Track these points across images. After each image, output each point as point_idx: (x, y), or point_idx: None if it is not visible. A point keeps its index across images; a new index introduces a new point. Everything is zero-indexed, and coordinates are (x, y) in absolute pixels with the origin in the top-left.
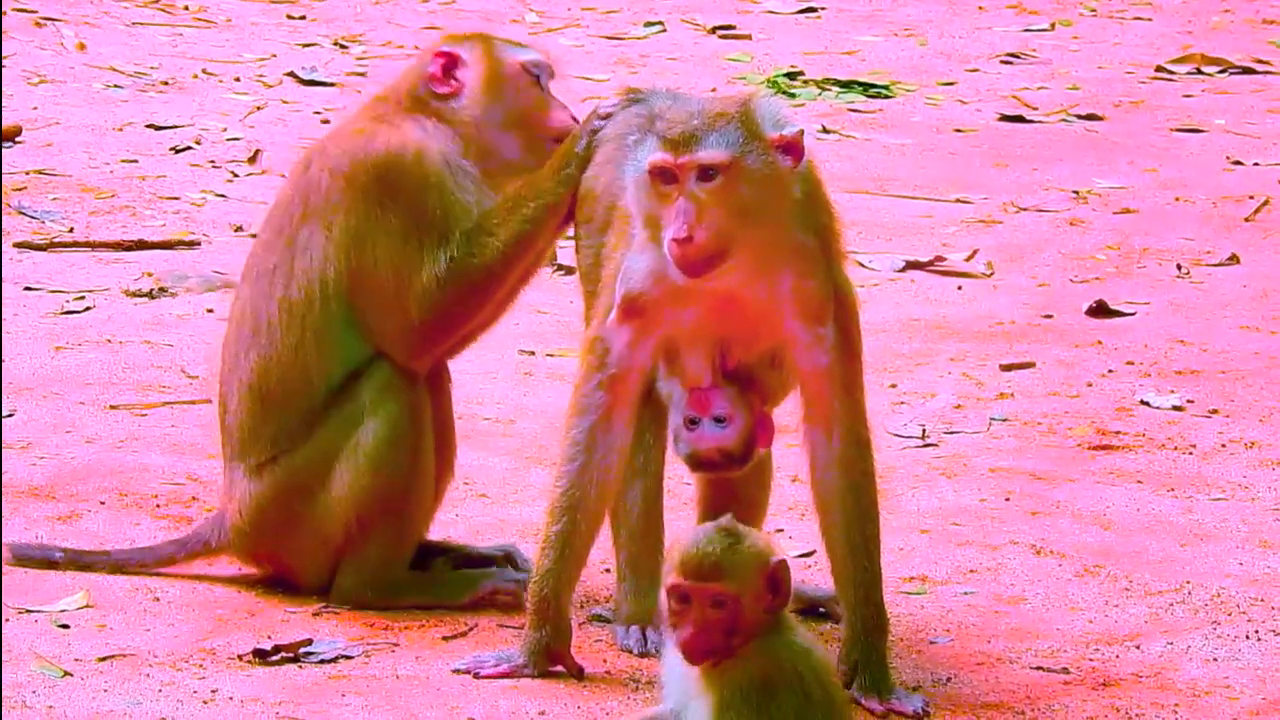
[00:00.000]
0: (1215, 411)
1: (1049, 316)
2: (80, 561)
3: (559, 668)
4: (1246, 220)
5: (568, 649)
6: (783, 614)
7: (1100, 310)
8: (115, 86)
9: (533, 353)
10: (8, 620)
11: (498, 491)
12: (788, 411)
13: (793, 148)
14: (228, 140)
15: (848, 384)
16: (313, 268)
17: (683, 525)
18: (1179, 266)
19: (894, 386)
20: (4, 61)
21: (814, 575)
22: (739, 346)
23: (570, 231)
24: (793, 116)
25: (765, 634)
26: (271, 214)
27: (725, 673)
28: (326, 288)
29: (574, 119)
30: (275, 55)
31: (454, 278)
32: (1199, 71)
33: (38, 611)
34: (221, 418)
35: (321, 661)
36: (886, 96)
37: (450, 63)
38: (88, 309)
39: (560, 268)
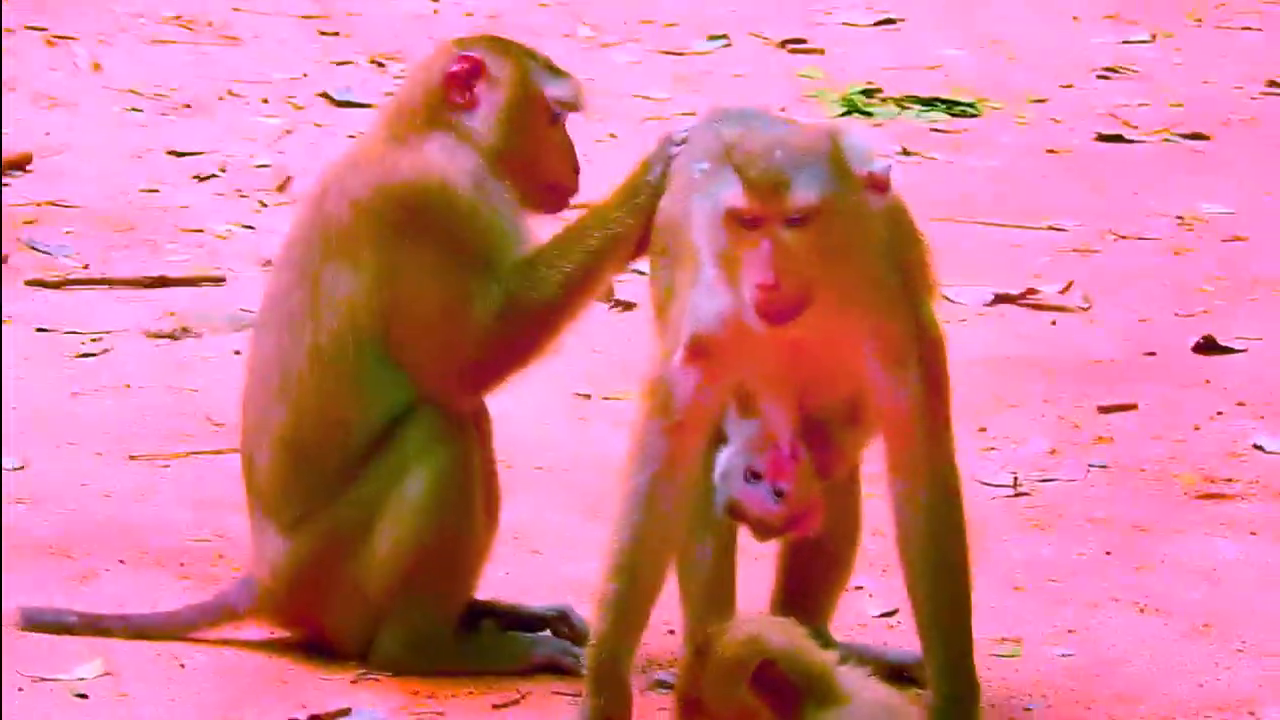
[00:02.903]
0: None
1: (1151, 354)
2: (96, 627)
3: None
4: None
5: (629, 718)
6: (835, 679)
7: (1208, 346)
8: (133, 109)
9: (589, 395)
10: (21, 690)
11: (551, 547)
12: (869, 459)
13: (881, 186)
14: (255, 167)
15: (934, 429)
16: (341, 310)
17: (756, 584)
18: None
19: (983, 431)
20: (13, 83)
21: (898, 636)
22: (816, 391)
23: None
24: (877, 147)
25: (820, 710)
26: (287, 254)
27: None
28: (359, 332)
29: (576, 170)
30: (306, 74)
31: (512, 313)
32: None
33: (53, 680)
34: (248, 476)
35: None
36: (972, 115)
37: (475, 70)
38: (105, 351)
39: (619, 303)
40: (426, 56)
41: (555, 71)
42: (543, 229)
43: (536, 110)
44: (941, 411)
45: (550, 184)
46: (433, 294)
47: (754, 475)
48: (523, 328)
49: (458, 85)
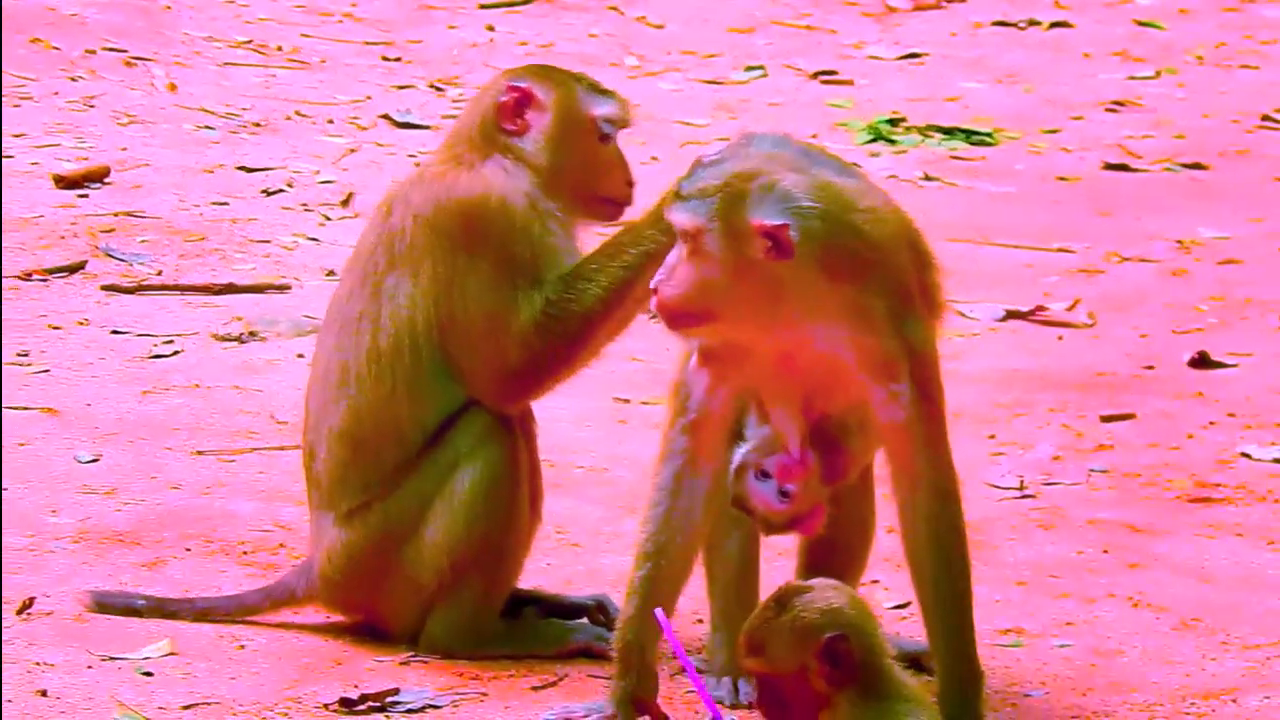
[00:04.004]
0: None
1: (1150, 368)
2: (163, 610)
3: (647, 718)
4: None
5: (654, 698)
6: (884, 675)
7: (1202, 362)
8: (206, 128)
9: (628, 400)
10: (90, 668)
11: (590, 541)
12: (878, 460)
13: (777, 240)
14: (320, 183)
15: (929, 438)
16: (400, 316)
17: (779, 576)
18: None
19: (993, 437)
20: (94, 101)
21: (909, 627)
22: (821, 399)
23: None
24: (807, 204)
25: (858, 701)
26: (354, 262)
27: None
28: (416, 336)
29: (629, 184)
30: (370, 97)
31: (552, 323)
32: None
33: (121, 659)
34: (308, 467)
35: (409, 711)
36: (990, 144)
37: (523, 99)
38: (176, 353)
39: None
40: (481, 88)
41: (601, 92)
42: (588, 242)
43: (584, 130)
44: (936, 424)
45: (606, 197)
46: (482, 304)
47: (764, 474)
48: (562, 338)
49: (508, 114)
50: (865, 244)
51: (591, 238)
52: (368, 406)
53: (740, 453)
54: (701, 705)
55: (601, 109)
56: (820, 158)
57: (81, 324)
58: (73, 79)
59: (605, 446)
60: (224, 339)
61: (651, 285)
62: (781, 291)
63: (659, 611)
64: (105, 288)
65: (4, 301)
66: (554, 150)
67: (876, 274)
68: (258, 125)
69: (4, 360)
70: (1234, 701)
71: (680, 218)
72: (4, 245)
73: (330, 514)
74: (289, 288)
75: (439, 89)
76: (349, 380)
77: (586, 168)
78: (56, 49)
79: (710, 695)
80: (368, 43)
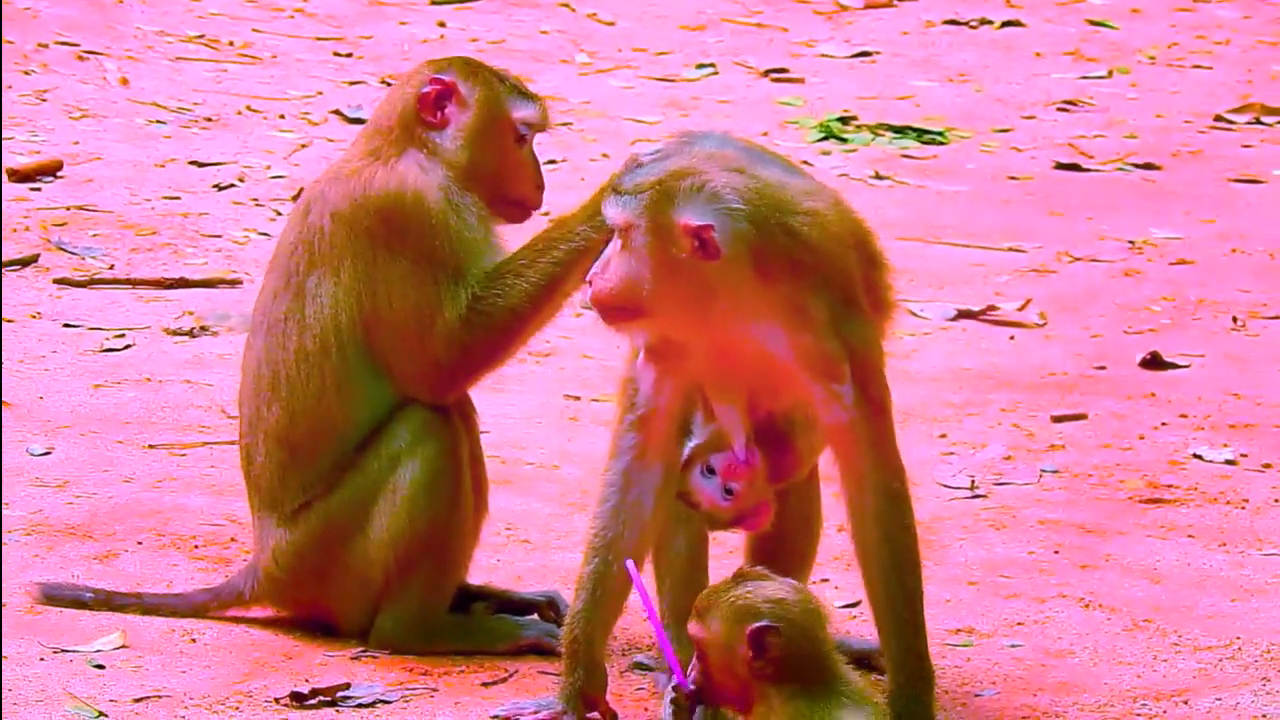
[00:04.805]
0: (1268, 466)
1: (1102, 368)
2: (111, 603)
3: (596, 715)
4: None
5: (603, 694)
6: (828, 678)
7: (1154, 362)
8: (158, 122)
9: (578, 398)
10: (42, 660)
11: (540, 537)
12: (829, 458)
13: (702, 240)
14: (271, 178)
15: (875, 439)
16: (325, 315)
17: (728, 573)
18: (1234, 319)
19: (944, 437)
20: (47, 95)
21: (859, 626)
22: (766, 398)
23: None
24: (736, 205)
25: (793, 698)
26: (275, 262)
27: None
28: (341, 335)
29: (539, 187)
30: (321, 92)
31: (479, 317)
32: (1258, 121)
33: (73, 651)
34: (247, 470)
35: (359, 706)
36: (941, 143)
37: (445, 92)
38: (127, 347)
39: None
40: (404, 76)
41: (523, 94)
42: (512, 238)
43: (502, 130)
44: (882, 424)
45: (516, 199)
46: (406, 299)
47: (709, 470)
48: (488, 332)
49: (429, 106)
50: (800, 245)
51: (518, 232)
52: (300, 407)
53: (688, 447)
54: (652, 704)
55: (522, 111)
56: (766, 157)
57: (34, 317)
58: (25, 73)
59: (556, 443)
60: (175, 333)
61: (586, 278)
62: (711, 290)
63: (629, 563)
64: (58, 281)
65: None
66: (471, 147)
67: (813, 275)
68: (209, 120)
69: None
70: (1185, 703)
71: (612, 212)
72: None
73: (273, 515)
74: (240, 282)
75: (390, 84)
76: (280, 382)
77: (500, 168)
78: (10, 43)
79: (672, 649)
80: (319, 38)
